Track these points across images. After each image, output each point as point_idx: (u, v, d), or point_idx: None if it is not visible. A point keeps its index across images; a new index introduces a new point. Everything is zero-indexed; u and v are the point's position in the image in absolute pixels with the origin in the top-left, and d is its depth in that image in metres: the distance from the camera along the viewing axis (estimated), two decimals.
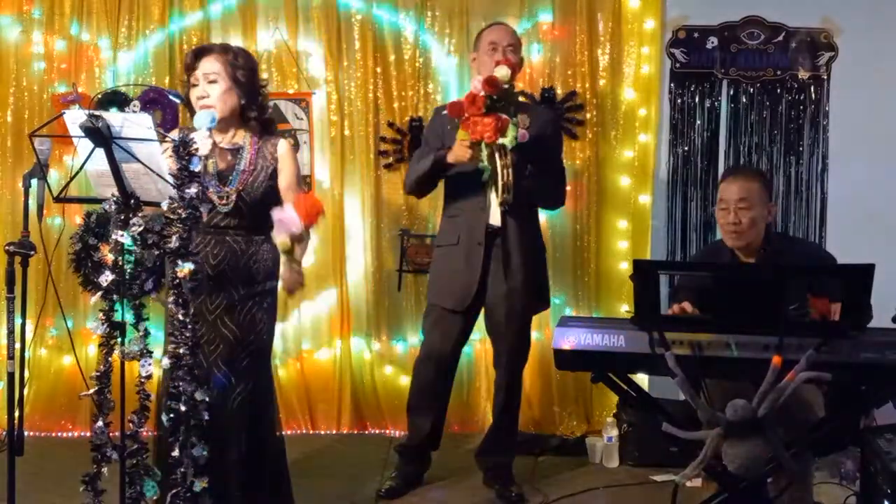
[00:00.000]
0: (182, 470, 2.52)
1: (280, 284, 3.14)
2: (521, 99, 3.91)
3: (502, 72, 3.42)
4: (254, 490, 3.10)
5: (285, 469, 3.29)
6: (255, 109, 3.16)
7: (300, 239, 2.96)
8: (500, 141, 3.40)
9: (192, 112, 3.11)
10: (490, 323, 3.83)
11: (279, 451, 3.26)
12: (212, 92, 3.07)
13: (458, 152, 3.52)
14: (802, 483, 3.06)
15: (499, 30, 3.82)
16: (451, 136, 3.60)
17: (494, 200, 3.58)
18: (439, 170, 3.67)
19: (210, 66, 3.08)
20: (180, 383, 2.53)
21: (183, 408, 2.52)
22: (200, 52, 3.14)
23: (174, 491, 2.53)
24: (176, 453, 2.52)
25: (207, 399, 2.58)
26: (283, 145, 3.17)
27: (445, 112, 3.62)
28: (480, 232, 3.67)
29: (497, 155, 3.43)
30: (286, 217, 2.91)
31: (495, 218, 3.64)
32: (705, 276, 3.17)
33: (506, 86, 3.42)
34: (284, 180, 3.15)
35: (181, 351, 2.53)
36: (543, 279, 3.91)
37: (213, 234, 3.08)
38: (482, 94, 3.35)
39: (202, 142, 2.89)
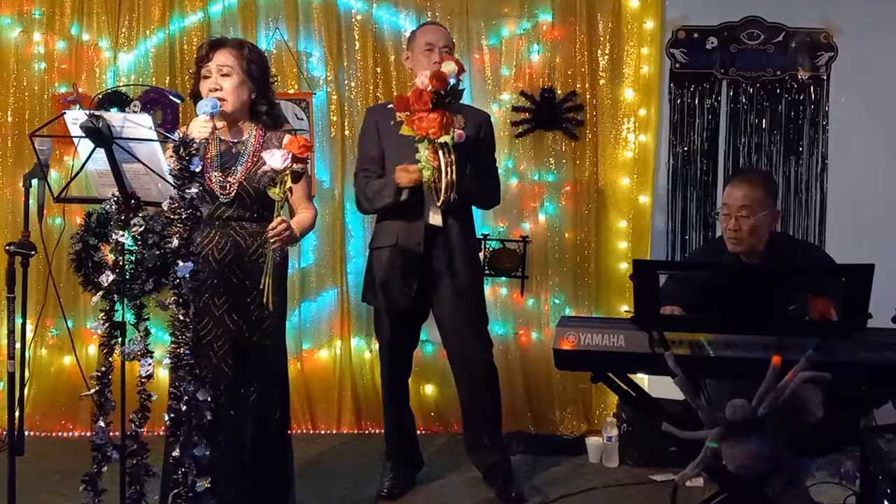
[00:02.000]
0: (184, 470, 2.53)
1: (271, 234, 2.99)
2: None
3: (449, 67, 3.37)
4: (258, 489, 3.10)
5: (291, 469, 3.30)
6: (265, 104, 3.18)
7: (296, 172, 2.93)
8: (442, 139, 3.36)
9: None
10: (442, 324, 3.80)
11: (286, 451, 3.27)
12: (224, 85, 3.09)
13: (403, 178, 3.51)
14: (801, 483, 3.06)
15: (435, 30, 3.81)
16: (392, 132, 3.54)
17: (434, 200, 3.49)
18: (398, 197, 3.61)
19: (224, 59, 3.10)
20: (182, 383, 2.53)
21: (184, 408, 2.52)
22: (215, 45, 3.16)
23: (176, 491, 2.53)
24: (177, 453, 2.53)
25: (210, 398, 2.58)
26: (288, 139, 3.18)
27: (390, 106, 3.54)
28: (419, 232, 3.64)
29: (441, 153, 3.39)
30: (276, 151, 2.92)
31: (436, 218, 3.61)
32: (706, 276, 3.17)
33: (452, 81, 3.38)
34: None
35: (182, 351, 2.54)
36: (480, 279, 3.93)
37: (218, 228, 3.08)
38: (429, 89, 3.33)
39: (201, 126, 2.90)
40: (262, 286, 2.97)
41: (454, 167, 3.40)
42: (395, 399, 3.92)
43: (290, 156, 2.89)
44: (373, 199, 3.70)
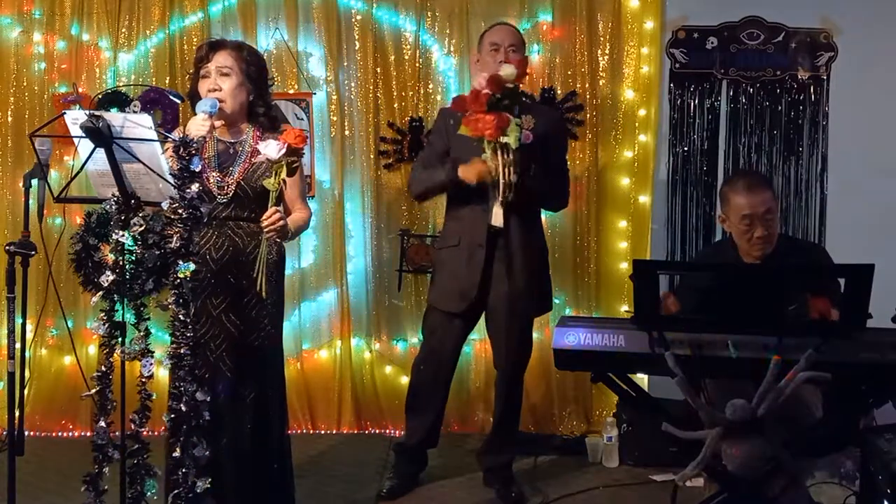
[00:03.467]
0: (184, 470, 2.53)
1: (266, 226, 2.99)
2: (525, 99, 3.90)
3: (507, 70, 3.40)
4: (257, 490, 3.10)
5: (290, 469, 3.30)
6: (263, 106, 3.19)
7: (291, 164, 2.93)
8: (503, 140, 3.39)
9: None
10: (491, 325, 3.81)
11: (285, 451, 3.27)
12: (223, 85, 3.10)
13: (470, 172, 3.50)
14: (801, 483, 3.06)
15: (501, 30, 3.81)
16: (454, 132, 3.58)
17: (496, 201, 3.54)
18: (450, 185, 3.65)
19: (224, 59, 3.12)
20: (181, 383, 2.53)
21: (184, 408, 2.52)
22: (215, 46, 3.17)
23: (176, 491, 2.54)
24: (177, 454, 2.53)
25: (209, 399, 2.58)
26: (285, 130, 3.18)
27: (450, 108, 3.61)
28: (482, 233, 3.64)
29: (499, 153, 3.42)
30: (272, 141, 2.93)
31: (497, 219, 3.58)
32: (706, 275, 3.17)
33: (510, 85, 3.40)
34: None
35: (182, 351, 2.54)
36: (546, 281, 3.89)
37: (215, 227, 3.08)
38: (485, 91, 3.35)
39: (199, 124, 2.91)
40: (254, 274, 2.98)
41: (512, 168, 3.41)
42: (434, 398, 3.85)
43: (286, 146, 2.90)
44: (426, 177, 3.70)
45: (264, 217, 2.96)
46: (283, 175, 2.92)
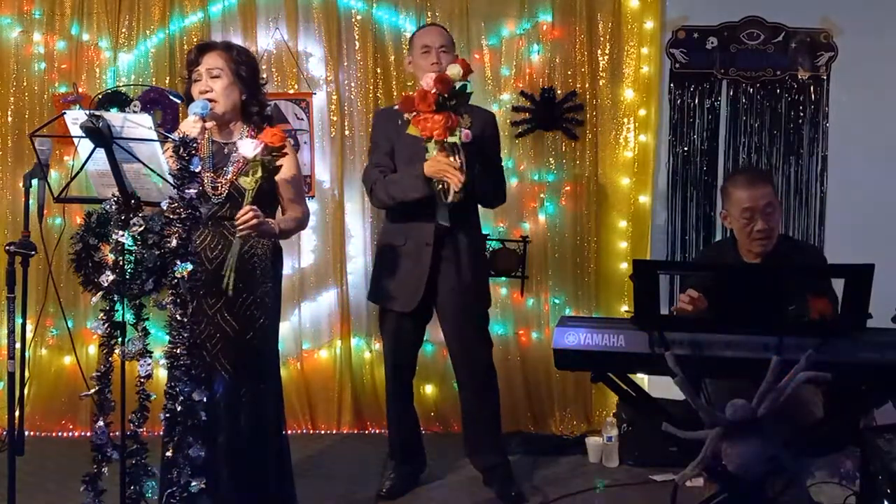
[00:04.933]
0: (178, 470, 2.53)
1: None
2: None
3: (454, 70, 3.40)
4: (255, 490, 3.10)
5: (289, 468, 3.30)
6: (256, 105, 3.20)
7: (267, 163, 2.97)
8: (450, 139, 3.38)
9: None
10: (444, 323, 3.80)
11: (282, 451, 3.27)
12: (215, 87, 3.11)
13: (431, 168, 3.46)
14: (801, 483, 3.06)
15: (431, 31, 3.81)
16: (401, 132, 3.56)
17: (443, 200, 3.50)
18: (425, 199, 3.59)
19: (213, 61, 3.13)
20: (177, 383, 2.53)
21: (179, 408, 2.52)
22: (204, 48, 3.18)
23: (170, 491, 2.53)
24: (171, 453, 2.53)
25: (206, 399, 2.58)
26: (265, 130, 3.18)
27: (396, 108, 3.59)
28: (429, 232, 3.65)
29: (448, 153, 3.41)
30: (248, 140, 2.97)
31: (445, 217, 3.58)
32: (706, 275, 3.16)
33: (457, 84, 3.40)
34: (281, 173, 3.14)
35: (178, 351, 2.54)
36: (484, 277, 3.93)
37: (211, 227, 3.09)
38: (433, 91, 3.35)
39: (190, 126, 2.91)
40: (223, 272, 2.99)
41: (462, 167, 3.42)
42: (399, 398, 3.91)
43: (263, 145, 2.92)
44: (394, 194, 3.65)
45: (238, 215, 2.96)
46: (259, 174, 2.95)
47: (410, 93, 3.66)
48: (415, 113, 3.39)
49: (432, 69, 3.51)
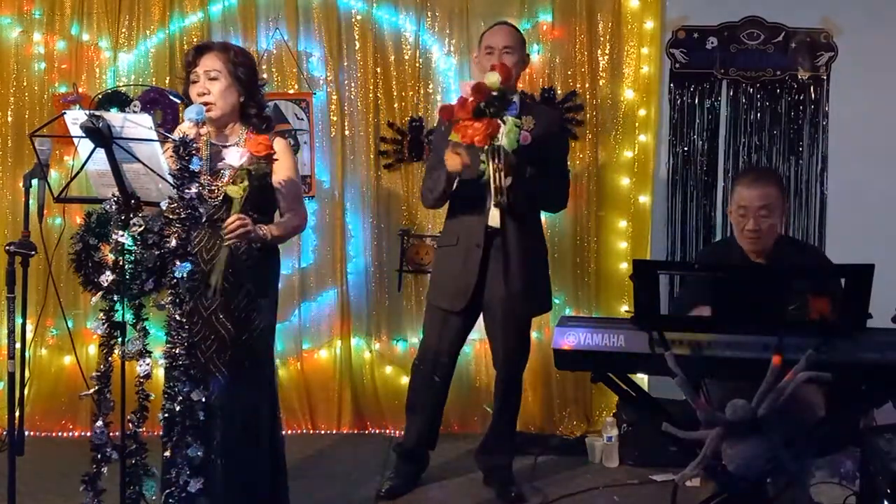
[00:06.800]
0: (177, 470, 2.53)
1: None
2: (526, 100, 3.90)
3: (492, 78, 3.38)
4: (251, 490, 3.10)
5: (283, 469, 3.30)
6: (254, 107, 3.18)
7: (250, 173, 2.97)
8: (498, 143, 3.39)
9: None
10: (488, 324, 3.82)
11: (277, 451, 3.26)
12: (212, 88, 3.10)
13: (450, 161, 3.52)
14: (801, 483, 3.05)
15: (496, 32, 3.80)
16: (446, 138, 3.58)
17: (493, 203, 3.56)
18: (451, 182, 3.66)
19: (211, 62, 3.11)
20: (176, 383, 2.53)
21: (178, 408, 2.52)
22: (201, 49, 3.16)
23: (168, 490, 2.53)
24: (169, 453, 2.53)
25: (203, 399, 2.58)
26: (278, 142, 3.17)
27: None
28: (479, 233, 3.66)
29: (490, 158, 3.43)
30: (234, 148, 2.98)
31: (494, 219, 3.61)
32: (706, 275, 3.16)
33: (494, 92, 3.38)
34: (277, 176, 3.14)
35: (177, 351, 2.54)
36: (544, 282, 3.89)
37: (207, 229, 3.07)
38: (471, 99, 3.35)
39: (186, 131, 2.91)
40: (210, 282, 2.99)
41: (502, 172, 3.43)
42: (432, 398, 3.86)
43: (248, 154, 2.92)
44: (431, 184, 3.73)
45: (225, 224, 2.94)
46: (246, 183, 2.95)
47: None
48: (455, 120, 3.40)
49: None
